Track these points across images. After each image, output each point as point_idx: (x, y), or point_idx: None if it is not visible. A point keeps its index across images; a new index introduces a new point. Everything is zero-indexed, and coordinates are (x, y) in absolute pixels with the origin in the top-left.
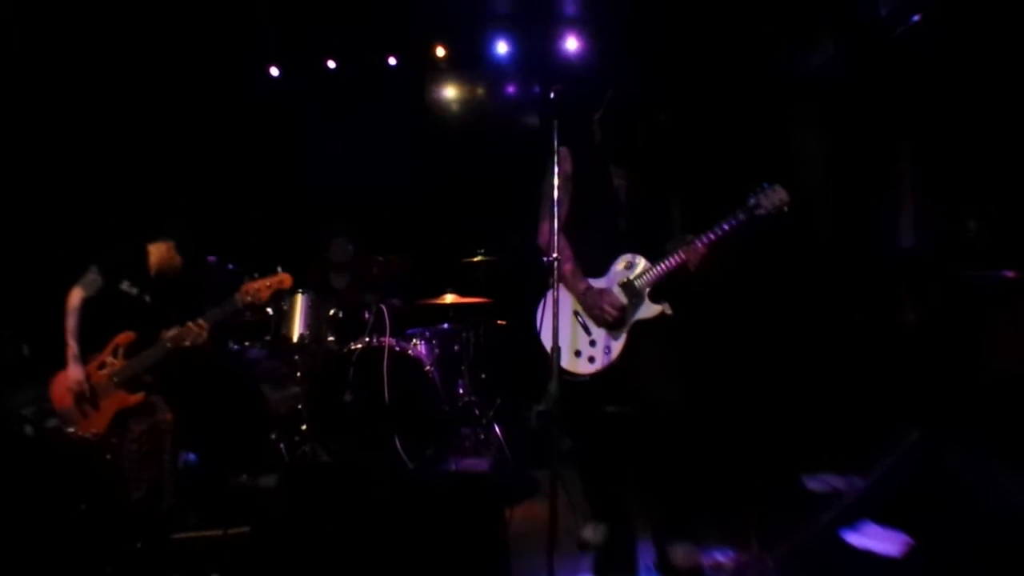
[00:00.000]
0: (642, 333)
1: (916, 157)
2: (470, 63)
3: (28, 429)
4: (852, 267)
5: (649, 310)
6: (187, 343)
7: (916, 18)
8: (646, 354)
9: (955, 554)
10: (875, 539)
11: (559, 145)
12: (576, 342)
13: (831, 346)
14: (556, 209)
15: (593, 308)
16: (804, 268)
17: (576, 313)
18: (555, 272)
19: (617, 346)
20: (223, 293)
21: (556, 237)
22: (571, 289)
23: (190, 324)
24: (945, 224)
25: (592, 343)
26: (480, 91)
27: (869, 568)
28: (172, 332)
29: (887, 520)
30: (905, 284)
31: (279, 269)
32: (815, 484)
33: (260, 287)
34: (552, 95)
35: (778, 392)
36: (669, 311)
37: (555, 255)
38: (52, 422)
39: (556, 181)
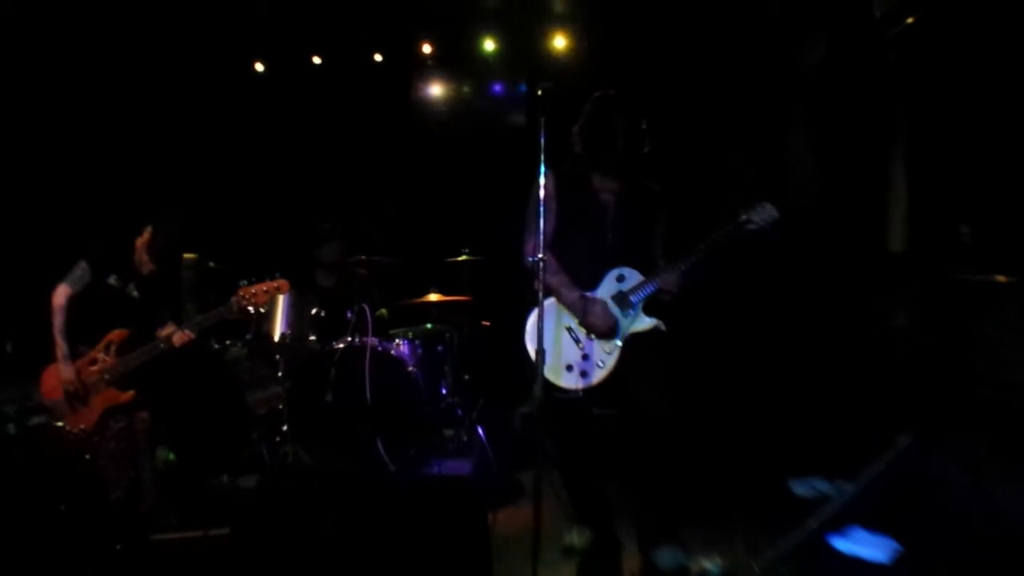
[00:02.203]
0: (635, 345)
1: (910, 160)
2: (456, 61)
3: (10, 427)
4: (843, 271)
5: (643, 323)
6: (181, 343)
7: (910, 20)
8: (637, 364)
9: (943, 561)
10: (863, 545)
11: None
12: (568, 356)
13: (821, 349)
14: (542, 209)
15: (587, 317)
16: (794, 272)
17: (569, 328)
18: (540, 272)
19: (611, 360)
20: (204, 291)
21: (540, 238)
22: (563, 300)
23: (183, 332)
24: (938, 228)
25: (585, 357)
26: (466, 89)
27: (857, 574)
28: (166, 332)
29: (876, 526)
30: (897, 288)
31: (277, 275)
32: (802, 489)
33: (257, 292)
34: (540, 92)
35: (766, 396)
36: (663, 327)
37: (540, 255)
38: (35, 420)
39: (542, 180)
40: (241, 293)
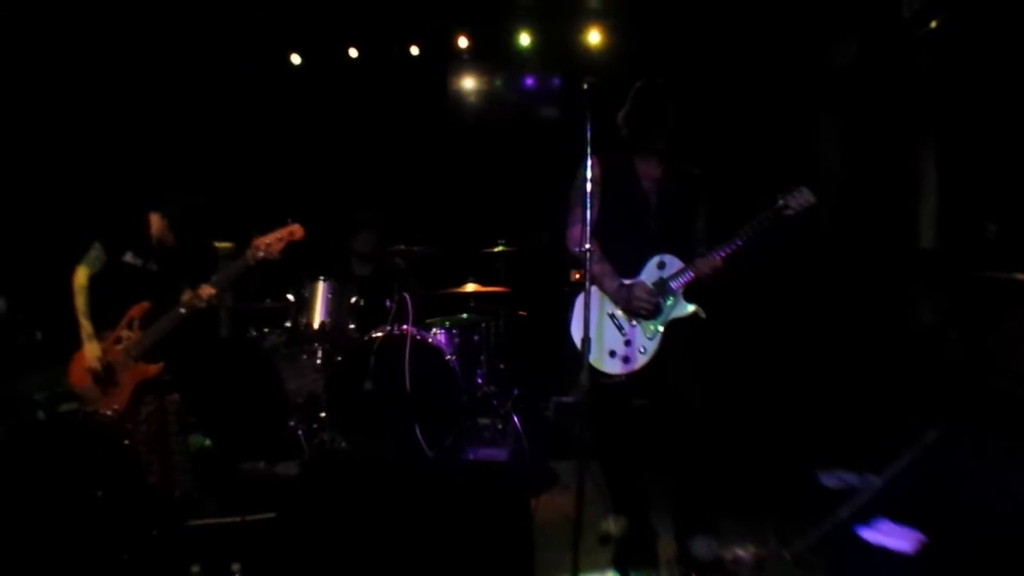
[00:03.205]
0: (675, 333)
1: (939, 159)
2: (492, 54)
3: (40, 414)
4: (872, 266)
5: (684, 309)
6: (200, 306)
7: (934, 24)
8: (676, 356)
9: (967, 552)
10: (889, 536)
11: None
12: (610, 342)
13: (848, 344)
14: (588, 202)
15: (629, 302)
16: (824, 267)
17: (611, 315)
18: (587, 262)
19: (653, 345)
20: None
21: (586, 228)
22: (605, 289)
23: (202, 287)
24: (965, 226)
25: (627, 343)
26: (500, 82)
27: (883, 564)
28: (184, 297)
29: (901, 518)
30: (924, 284)
31: (289, 220)
32: (831, 481)
33: (271, 240)
34: (585, 87)
35: (796, 390)
36: (703, 314)
37: (587, 246)
38: (65, 406)
39: (588, 174)
40: (255, 244)
